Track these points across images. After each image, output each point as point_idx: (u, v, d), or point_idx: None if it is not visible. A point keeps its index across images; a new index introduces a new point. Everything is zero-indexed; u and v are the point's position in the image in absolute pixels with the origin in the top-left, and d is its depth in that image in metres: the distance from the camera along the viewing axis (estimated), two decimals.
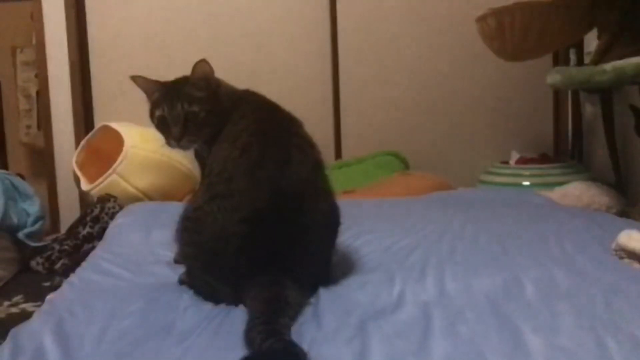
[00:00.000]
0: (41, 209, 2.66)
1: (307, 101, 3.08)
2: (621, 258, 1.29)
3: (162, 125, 1.21)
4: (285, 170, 1.11)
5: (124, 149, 2.59)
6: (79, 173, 2.72)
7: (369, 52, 3.15)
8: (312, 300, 1.08)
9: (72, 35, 3.09)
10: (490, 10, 2.31)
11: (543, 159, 2.89)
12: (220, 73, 1.25)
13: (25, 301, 2.05)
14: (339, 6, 3.12)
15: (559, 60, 3.05)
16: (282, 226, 1.09)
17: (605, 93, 2.58)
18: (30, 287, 2.23)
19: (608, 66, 1.93)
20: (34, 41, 3.33)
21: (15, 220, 2.48)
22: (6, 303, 2.03)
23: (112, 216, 2.33)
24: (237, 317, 1.01)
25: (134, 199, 2.51)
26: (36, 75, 3.51)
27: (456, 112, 3.19)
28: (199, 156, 1.27)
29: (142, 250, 1.56)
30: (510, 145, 3.07)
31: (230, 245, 1.08)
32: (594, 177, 2.66)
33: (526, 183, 2.68)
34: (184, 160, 2.67)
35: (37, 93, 3.69)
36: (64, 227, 2.95)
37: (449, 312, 1.00)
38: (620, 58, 1.92)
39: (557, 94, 3.18)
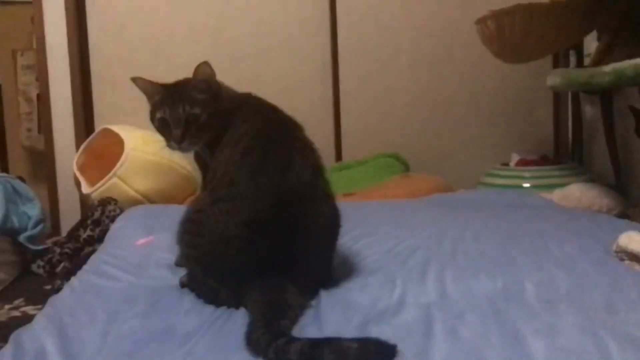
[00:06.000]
0: (42, 212, 2.66)
1: (308, 102, 3.08)
2: (622, 260, 1.29)
3: (163, 127, 1.21)
4: (286, 174, 1.11)
5: (125, 151, 2.59)
6: (79, 176, 2.72)
7: (369, 53, 3.15)
8: (313, 302, 1.09)
9: (73, 38, 3.09)
10: (490, 12, 2.32)
11: (543, 160, 2.89)
12: (221, 73, 1.25)
13: (27, 304, 2.05)
14: (338, 6, 3.12)
15: (559, 62, 3.05)
16: (283, 229, 1.09)
17: (605, 94, 2.58)
18: (31, 290, 2.22)
19: (608, 68, 1.94)
20: (34, 44, 3.33)
21: (16, 223, 2.48)
22: (7, 306, 2.03)
23: (112, 219, 2.32)
24: (238, 320, 1.01)
25: (135, 202, 2.50)
26: (37, 79, 3.51)
27: (456, 114, 3.19)
28: (198, 158, 1.27)
29: (143, 253, 1.56)
30: (510, 147, 3.07)
31: (232, 248, 1.08)
32: (595, 178, 2.66)
33: (526, 185, 2.68)
34: (184, 163, 2.67)
35: (38, 96, 3.68)
36: (64, 230, 2.95)
37: (450, 314, 1.00)
38: (620, 60, 1.92)
39: (557, 96, 3.18)
